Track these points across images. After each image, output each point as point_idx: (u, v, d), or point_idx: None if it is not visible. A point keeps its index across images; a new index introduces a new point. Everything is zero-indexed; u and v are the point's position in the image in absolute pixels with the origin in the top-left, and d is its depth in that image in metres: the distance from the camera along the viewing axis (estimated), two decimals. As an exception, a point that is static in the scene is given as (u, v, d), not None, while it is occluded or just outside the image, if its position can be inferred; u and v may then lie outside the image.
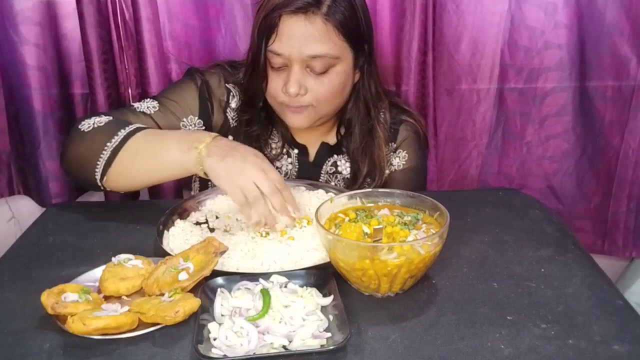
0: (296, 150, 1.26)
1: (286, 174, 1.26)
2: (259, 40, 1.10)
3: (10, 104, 1.46)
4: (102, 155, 1.04)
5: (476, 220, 1.07)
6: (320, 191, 1.14)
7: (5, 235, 1.48)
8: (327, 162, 1.26)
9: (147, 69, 1.39)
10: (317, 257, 0.91)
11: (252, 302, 0.77)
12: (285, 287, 0.82)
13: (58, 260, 0.95)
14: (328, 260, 0.86)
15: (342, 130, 1.25)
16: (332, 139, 1.27)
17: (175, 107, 1.18)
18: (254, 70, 1.14)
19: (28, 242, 1.04)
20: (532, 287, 0.86)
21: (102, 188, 1.08)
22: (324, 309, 0.78)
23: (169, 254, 0.90)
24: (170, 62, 1.44)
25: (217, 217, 1.07)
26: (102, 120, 1.08)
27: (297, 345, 0.72)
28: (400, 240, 0.83)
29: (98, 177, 1.05)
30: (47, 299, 0.77)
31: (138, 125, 1.09)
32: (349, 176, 1.26)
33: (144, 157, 1.04)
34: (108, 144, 1.04)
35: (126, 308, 0.79)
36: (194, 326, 0.75)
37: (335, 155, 1.26)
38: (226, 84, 1.22)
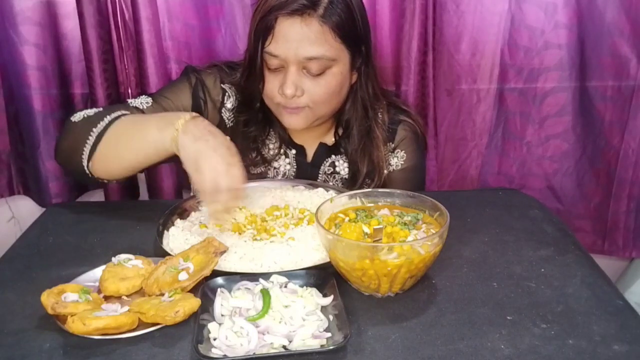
0: (294, 151, 1.26)
1: (284, 174, 1.26)
2: (255, 41, 1.10)
3: (10, 104, 1.46)
4: (87, 141, 1.05)
5: (476, 220, 1.07)
6: (320, 190, 1.14)
7: (5, 235, 1.48)
8: (325, 162, 1.26)
9: (146, 69, 1.39)
10: (317, 257, 0.91)
11: (252, 302, 0.77)
12: (285, 287, 0.82)
13: (58, 260, 0.95)
14: (328, 260, 0.86)
15: (340, 131, 1.25)
16: (330, 140, 1.27)
17: (168, 103, 1.18)
18: (250, 71, 1.14)
19: (28, 242, 1.04)
20: (532, 287, 0.86)
21: (90, 176, 1.08)
22: (324, 309, 0.78)
23: (169, 254, 0.90)
24: (170, 62, 1.44)
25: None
26: (92, 111, 1.10)
27: (297, 345, 0.72)
28: (400, 240, 0.83)
29: (85, 163, 1.06)
30: (47, 299, 0.77)
31: (123, 111, 1.09)
32: (347, 176, 1.26)
33: (126, 139, 1.04)
34: (94, 129, 1.05)
35: (126, 308, 0.79)
36: (194, 326, 0.75)
37: (333, 156, 1.26)
38: (222, 85, 1.22)
